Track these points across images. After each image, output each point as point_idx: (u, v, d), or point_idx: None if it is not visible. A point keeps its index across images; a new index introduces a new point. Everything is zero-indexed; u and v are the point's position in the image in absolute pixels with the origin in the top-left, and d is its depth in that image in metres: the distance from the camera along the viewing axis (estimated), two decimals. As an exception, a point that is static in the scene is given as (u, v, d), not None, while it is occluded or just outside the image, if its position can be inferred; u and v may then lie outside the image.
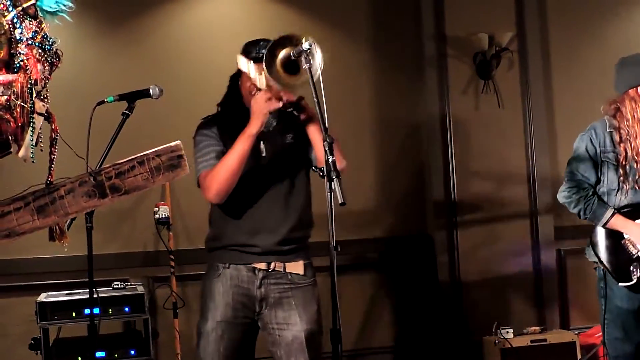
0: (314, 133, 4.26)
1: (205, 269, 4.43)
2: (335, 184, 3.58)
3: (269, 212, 4.27)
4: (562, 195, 5.03)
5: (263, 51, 4.17)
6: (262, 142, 4.29)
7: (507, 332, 6.40)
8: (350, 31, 7.31)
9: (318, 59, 4.00)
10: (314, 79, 3.83)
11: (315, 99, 3.76)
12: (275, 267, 4.26)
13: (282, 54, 4.09)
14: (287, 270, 4.28)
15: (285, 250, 4.28)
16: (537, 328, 6.65)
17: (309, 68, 3.85)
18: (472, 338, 6.88)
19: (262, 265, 4.25)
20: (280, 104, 4.20)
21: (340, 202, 3.54)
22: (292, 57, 4.00)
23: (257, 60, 4.26)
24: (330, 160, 3.62)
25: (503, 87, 7.25)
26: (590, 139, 4.94)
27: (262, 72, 4.13)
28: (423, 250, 7.26)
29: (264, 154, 4.29)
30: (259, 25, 6.92)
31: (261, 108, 4.15)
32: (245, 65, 4.19)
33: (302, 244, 4.38)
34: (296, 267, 4.31)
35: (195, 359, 4.34)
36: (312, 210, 4.46)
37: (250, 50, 4.34)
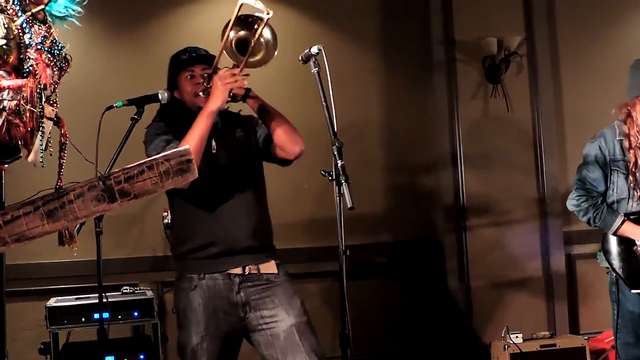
0: (268, 118, 4.32)
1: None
2: (344, 188, 3.58)
3: (234, 211, 4.25)
4: (571, 204, 5.02)
5: (194, 53, 4.25)
6: (212, 140, 4.27)
7: (517, 336, 6.38)
8: (359, 36, 7.32)
9: (268, 33, 4.04)
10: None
11: (323, 103, 3.77)
12: (250, 270, 4.23)
13: (233, 35, 4.10)
14: (261, 272, 4.26)
15: (255, 248, 4.26)
16: (547, 333, 6.63)
17: (318, 72, 3.86)
18: (481, 343, 6.88)
19: (238, 270, 4.22)
20: (243, 89, 4.22)
21: (349, 206, 3.55)
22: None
23: (190, 62, 4.35)
24: (339, 164, 3.62)
25: (512, 91, 7.25)
26: (600, 147, 4.91)
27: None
28: (432, 254, 7.25)
29: (214, 151, 4.25)
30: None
31: (225, 83, 4.11)
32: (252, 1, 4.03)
33: (268, 241, 4.39)
34: (270, 267, 4.30)
35: None
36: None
37: (180, 57, 4.43)
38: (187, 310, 4.23)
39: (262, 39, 4.12)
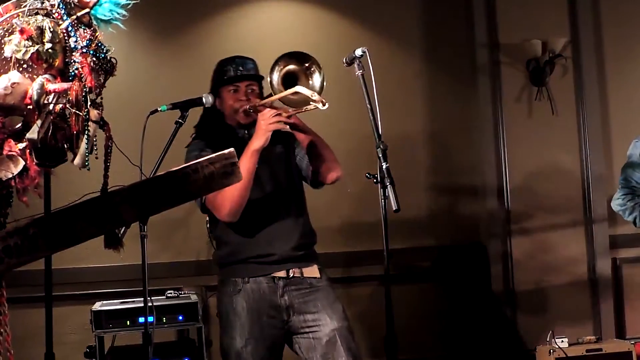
0: (311, 146, 4.36)
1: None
2: (389, 191, 3.57)
3: (280, 223, 4.29)
4: (616, 203, 4.98)
5: (241, 68, 4.25)
6: None
7: (562, 341, 6.33)
8: (403, 40, 7.30)
9: (318, 80, 4.07)
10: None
11: (368, 105, 3.76)
12: (294, 273, 4.27)
13: (282, 71, 4.13)
14: (305, 275, 4.30)
15: (300, 256, 4.30)
16: (593, 337, 6.57)
17: (362, 75, 3.86)
18: (526, 348, 6.83)
19: (282, 274, 4.26)
20: (287, 127, 4.25)
21: (394, 208, 3.54)
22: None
23: (237, 79, 4.35)
24: (384, 167, 3.61)
25: (557, 93, 7.20)
26: (645, 146, 4.89)
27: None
28: (477, 259, 7.21)
29: (257, 166, 4.23)
30: (311, 34, 6.94)
31: (268, 124, 4.15)
32: (309, 92, 4.07)
33: (312, 249, 4.43)
34: (312, 272, 4.34)
35: None
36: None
37: (227, 69, 4.42)
38: (230, 314, 4.26)
39: (311, 82, 4.14)
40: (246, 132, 4.34)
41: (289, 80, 4.18)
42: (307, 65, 4.20)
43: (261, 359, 4.21)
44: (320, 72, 4.18)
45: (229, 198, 4.14)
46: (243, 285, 4.25)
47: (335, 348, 4.19)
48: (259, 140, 4.16)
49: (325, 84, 4.19)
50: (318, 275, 4.34)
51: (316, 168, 4.36)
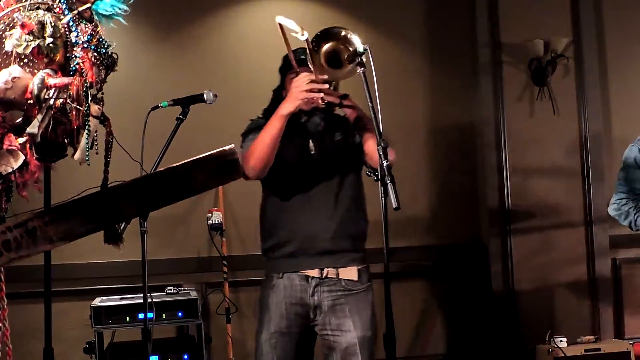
0: (362, 127, 4.30)
1: (260, 275, 4.47)
2: (389, 189, 3.56)
3: (318, 212, 4.26)
4: (612, 208, 4.98)
5: (302, 56, 4.20)
6: (310, 141, 4.32)
7: (561, 340, 6.34)
8: (405, 38, 7.30)
9: (357, 41, 4.01)
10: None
11: (369, 102, 3.75)
12: (328, 274, 4.24)
13: (326, 47, 4.09)
14: (340, 277, 4.26)
15: (336, 251, 4.25)
16: (592, 337, 6.59)
17: (363, 72, 3.85)
18: (526, 347, 6.83)
19: (315, 273, 4.24)
20: (319, 99, 4.16)
21: (394, 206, 3.52)
22: (347, 60, 4.00)
23: (301, 63, 4.28)
24: (384, 164, 3.60)
25: (558, 93, 7.20)
26: (639, 149, 4.89)
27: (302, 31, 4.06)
28: (477, 258, 7.21)
29: (312, 152, 4.28)
30: (313, 32, 6.92)
31: (300, 90, 4.13)
32: (285, 20, 4.05)
33: (353, 243, 4.34)
34: (349, 273, 4.27)
35: None
36: (365, 210, 4.43)
37: (290, 58, 4.35)
38: (263, 308, 4.32)
39: (351, 49, 4.09)
40: (308, 117, 4.34)
41: (333, 59, 4.13)
42: (342, 35, 4.14)
43: (286, 354, 4.24)
44: (354, 34, 4.10)
45: (252, 155, 4.16)
46: (277, 281, 4.28)
47: (354, 356, 4.20)
48: (287, 106, 4.15)
49: (361, 41, 4.09)
50: (355, 277, 4.28)
51: (368, 152, 4.28)
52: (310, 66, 4.10)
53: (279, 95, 4.43)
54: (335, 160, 4.34)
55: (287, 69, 4.43)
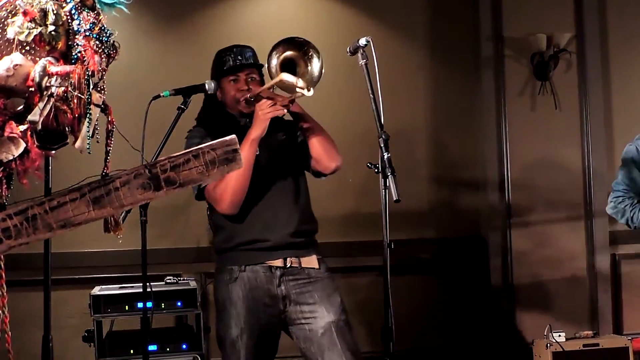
0: (307, 130, 4.33)
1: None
2: (390, 181, 3.57)
3: (278, 208, 4.28)
4: (609, 207, 5.01)
5: (240, 57, 4.25)
6: None
7: (560, 335, 6.34)
8: (407, 31, 7.29)
9: (316, 66, 4.06)
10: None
11: (371, 95, 3.76)
12: (291, 263, 4.25)
13: (280, 57, 4.13)
14: (302, 266, 4.28)
15: (298, 244, 4.28)
16: (590, 332, 6.58)
17: (365, 64, 3.86)
18: (524, 341, 6.84)
19: (279, 263, 4.24)
20: (284, 111, 4.21)
21: (394, 199, 3.53)
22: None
23: (236, 70, 4.34)
24: (385, 157, 3.60)
25: (560, 88, 7.20)
26: (637, 148, 4.93)
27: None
28: (476, 252, 7.22)
29: (258, 152, 4.24)
30: (315, 24, 6.94)
31: (265, 113, 4.16)
32: (293, 79, 4.12)
33: (311, 238, 4.39)
34: (311, 262, 4.31)
35: None
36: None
37: (225, 59, 4.40)
38: (226, 302, 4.25)
39: (309, 68, 4.14)
40: (248, 120, 4.32)
41: (287, 67, 4.17)
42: (305, 50, 4.20)
43: (256, 349, 4.20)
44: (319, 58, 4.19)
45: (229, 190, 4.15)
46: (239, 274, 4.24)
47: (331, 341, 4.17)
48: (257, 129, 4.16)
49: (323, 69, 4.18)
50: (317, 265, 4.31)
51: (315, 157, 4.33)
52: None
53: (213, 97, 4.43)
54: (282, 159, 4.37)
55: (221, 74, 4.42)
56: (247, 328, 4.18)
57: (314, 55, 4.19)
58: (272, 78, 4.20)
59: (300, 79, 4.08)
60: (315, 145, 4.30)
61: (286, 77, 4.10)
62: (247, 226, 4.25)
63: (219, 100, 4.42)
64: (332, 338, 4.17)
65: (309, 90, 4.06)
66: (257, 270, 4.23)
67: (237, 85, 4.36)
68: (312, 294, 4.24)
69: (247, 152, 4.10)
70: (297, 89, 4.08)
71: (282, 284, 4.23)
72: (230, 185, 4.13)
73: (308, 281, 4.26)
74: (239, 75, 4.37)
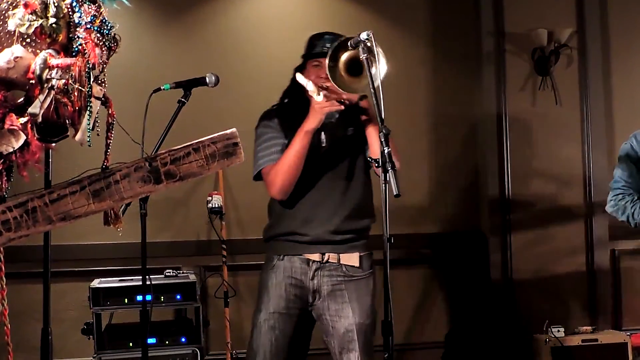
0: (371, 134, 4.29)
1: (259, 260, 4.49)
2: (390, 175, 3.56)
3: (322, 201, 4.29)
4: (609, 206, 5.01)
5: (328, 45, 4.21)
6: (322, 133, 4.32)
7: (559, 330, 6.35)
8: (409, 26, 7.27)
9: (383, 63, 4.01)
10: (375, 77, 3.83)
11: (372, 89, 3.75)
12: (329, 258, 4.27)
13: (345, 56, 4.11)
14: (341, 262, 4.28)
15: (338, 241, 4.28)
16: (589, 328, 6.59)
17: (366, 58, 3.85)
18: (523, 336, 6.83)
19: (316, 257, 4.27)
20: (342, 107, 4.21)
21: (395, 193, 3.52)
22: (350, 47, 4.01)
23: (321, 55, 4.30)
24: (386, 151, 3.60)
25: (561, 83, 7.19)
26: (631, 146, 4.96)
27: (317, 88, 4.16)
28: (476, 247, 7.21)
29: (324, 144, 4.31)
30: (317, 19, 6.91)
31: (321, 106, 4.16)
32: (304, 81, 4.18)
33: (358, 234, 4.36)
34: (351, 259, 4.30)
35: (247, 349, 4.37)
36: (372, 203, 4.45)
37: (315, 44, 4.40)
38: (262, 288, 4.34)
39: (374, 70, 4.09)
40: None
41: (353, 66, 4.13)
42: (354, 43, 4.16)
43: (281, 334, 4.25)
44: (383, 57, 4.10)
45: (279, 175, 4.21)
46: (277, 262, 4.31)
47: (352, 343, 4.22)
48: (311, 122, 4.19)
49: (387, 66, 4.11)
50: (357, 264, 4.31)
51: (369, 140, 4.31)
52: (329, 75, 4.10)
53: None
54: (344, 153, 4.37)
55: (308, 56, 4.44)
56: (275, 314, 4.25)
57: (380, 54, 4.11)
58: (331, 77, 4.14)
59: (310, 83, 4.14)
60: (371, 134, 4.29)
61: (299, 78, 4.18)
62: (289, 217, 4.31)
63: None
64: (352, 340, 4.23)
65: (318, 94, 4.10)
66: (294, 261, 4.28)
67: (317, 71, 4.35)
68: (344, 292, 4.27)
69: (298, 143, 4.18)
70: (309, 92, 4.13)
71: (315, 278, 4.27)
72: (282, 172, 4.21)
73: (343, 279, 4.28)
74: (322, 62, 4.32)
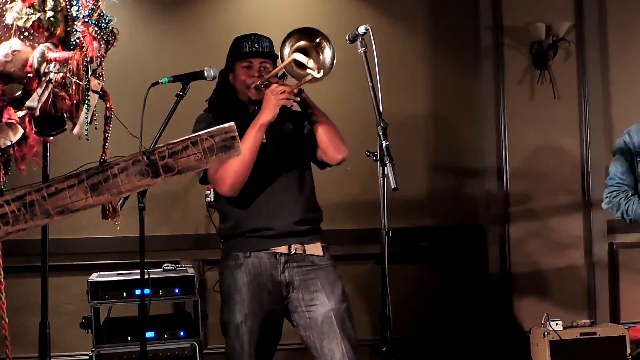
0: (314, 121, 4.34)
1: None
2: (388, 169, 3.57)
3: (282, 195, 4.30)
4: (604, 203, 5.05)
5: (256, 45, 4.25)
6: None
7: (557, 324, 6.34)
8: (407, 20, 7.27)
9: (328, 56, 4.05)
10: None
11: (370, 83, 3.76)
12: (295, 250, 4.27)
13: (300, 44, 4.13)
14: (307, 253, 4.30)
15: (302, 231, 4.29)
16: (587, 321, 6.59)
17: (365, 52, 3.86)
18: (521, 329, 6.85)
19: (283, 249, 4.26)
20: (297, 99, 4.24)
21: (392, 187, 3.54)
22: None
23: (251, 55, 4.36)
24: (384, 145, 3.61)
25: (559, 77, 7.20)
26: (625, 142, 4.99)
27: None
28: (474, 240, 7.22)
29: (264, 141, 4.24)
30: (316, 14, 6.92)
31: (277, 99, 4.16)
32: (304, 59, 4.14)
33: (316, 225, 4.40)
34: (315, 249, 4.32)
35: (226, 352, 4.32)
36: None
37: (242, 45, 4.43)
38: (231, 288, 4.27)
39: (321, 57, 4.14)
40: (256, 108, 4.32)
41: (299, 57, 4.17)
42: (317, 41, 4.20)
43: (260, 334, 4.22)
44: (330, 47, 4.18)
45: (230, 172, 4.16)
46: (244, 260, 4.26)
47: (331, 329, 4.20)
48: (266, 114, 4.17)
49: (335, 59, 4.17)
50: (321, 253, 4.33)
51: (322, 148, 4.34)
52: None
53: (225, 82, 4.46)
54: (288, 148, 4.39)
55: (235, 58, 4.45)
56: (250, 314, 4.20)
57: (326, 45, 4.19)
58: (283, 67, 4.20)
59: (311, 60, 4.10)
60: (322, 136, 4.32)
61: (298, 56, 4.12)
62: (252, 214, 4.27)
63: (230, 86, 4.44)
64: (331, 326, 4.20)
65: (319, 72, 4.08)
66: (262, 257, 4.25)
67: (249, 72, 4.39)
68: (315, 281, 4.27)
69: (253, 136, 4.14)
70: (308, 70, 4.10)
71: (286, 271, 4.25)
72: (232, 168, 4.15)
73: (312, 268, 4.29)
74: (253, 62, 4.39)
